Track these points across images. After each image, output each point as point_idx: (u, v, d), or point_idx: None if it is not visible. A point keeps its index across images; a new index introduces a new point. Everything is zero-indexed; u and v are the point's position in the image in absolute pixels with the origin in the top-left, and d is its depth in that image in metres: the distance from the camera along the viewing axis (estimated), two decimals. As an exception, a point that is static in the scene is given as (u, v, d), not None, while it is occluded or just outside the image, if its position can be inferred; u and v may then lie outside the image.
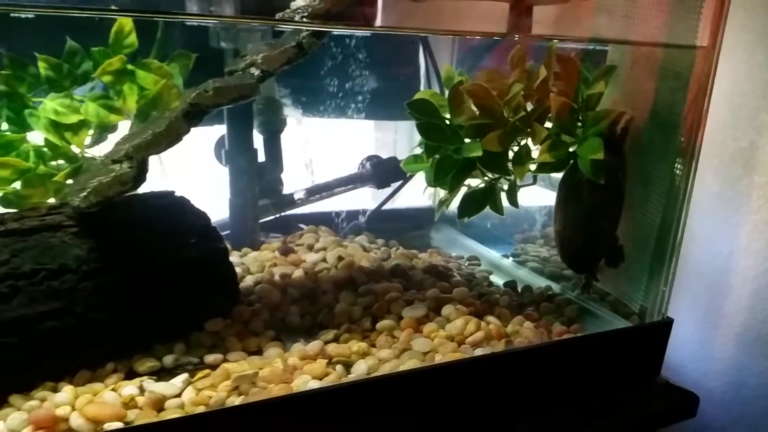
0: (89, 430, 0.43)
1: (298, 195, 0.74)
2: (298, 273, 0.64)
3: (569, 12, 0.61)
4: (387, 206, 0.80)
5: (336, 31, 0.72)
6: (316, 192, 0.74)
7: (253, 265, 0.66)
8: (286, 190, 0.74)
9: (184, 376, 0.48)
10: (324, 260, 0.67)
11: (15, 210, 0.57)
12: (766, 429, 0.94)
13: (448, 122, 0.57)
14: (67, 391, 0.45)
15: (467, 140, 0.56)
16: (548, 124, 0.56)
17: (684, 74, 0.52)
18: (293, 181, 0.74)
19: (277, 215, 0.73)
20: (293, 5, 0.58)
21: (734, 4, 0.76)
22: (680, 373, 0.98)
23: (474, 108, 0.55)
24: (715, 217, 0.91)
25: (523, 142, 0.56)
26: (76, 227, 0.49)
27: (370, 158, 0.77)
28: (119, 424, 0.43)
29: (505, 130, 0.54)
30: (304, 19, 0.53)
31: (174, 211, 0.55)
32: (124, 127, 0.68)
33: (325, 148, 0.79)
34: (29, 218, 0.48)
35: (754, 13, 0.83)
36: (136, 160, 0.47)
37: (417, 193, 0.86)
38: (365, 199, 0.80)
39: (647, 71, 0.55)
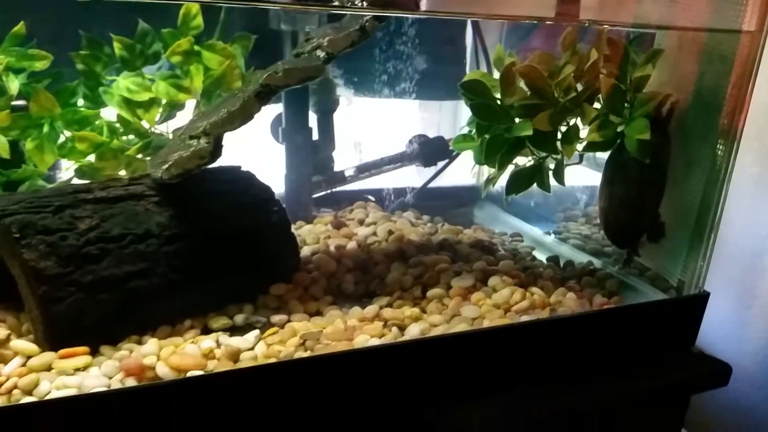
0: (173, 378, 0.48)
1: (349, 172, 0.78)
2: (351, 245, 0.68)
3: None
4: (432, 184, 0.84)
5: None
6: (366, 169, 0.78)
7: (308, 237, 0.71)
8: (337, 167, 0.78)
9: (256, 332, 0.53)
10: (375, 234, 0.71)
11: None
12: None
13: (498, 102, 0.61)
14: (151, 343, 0.50)
15: (517, 120, 0.59)
16: (597, 105, 0.59)
17: (729, 58, 0.54)
18: (344, 158, 0.79)
19: (329, 191, 0.78)
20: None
21: None
22: (713, 351, 1.00)
23: (525, 88, 0.58)
24: (754, 199, 0.92)
25: (572, 122, 0.59)
26: (157, 197, 0.53)
27: (417, 137, 0.81)
28: (200, 373, 0.48)
29: (556, 110, 0.57)
30: (364, 3, 0.56)
31: (241, 184, 0.59)
32: (189, 104, 0.73)
33: (373, 127, 0.82)
34: (114, 188, 0.53)
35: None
36: (213, 136, 0.52)
37: (461, 172, 0.90)
38: (412, 176, 0.84)
39: (693, 55, 0.58)
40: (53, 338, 0.47)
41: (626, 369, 0.58)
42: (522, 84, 0.58)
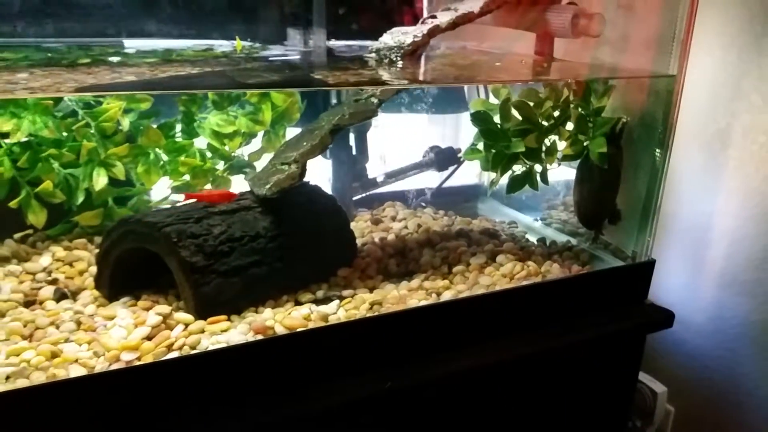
0: (285, 333, 0.69)
1: (380, 178, 0.99)
2: (390, 236, 0.90)
3: (580, 43, 0.86)
4: (444, 185, 1.06)
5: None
6: (392, 176, 1.00)
7: (355, 231, 0.93)
8: (370, 175, 1.00)
9: (335, 302, 0.74)
10: (406, 227, 0.93)
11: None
12: (739, 349, 1.21)
13: (499, 126, 0.83)
14: (266, 312, 0.72)
15: (513, 139, 0.82)
16: (569, 127, 0.82)
17: (661, 93, 0.77)
18: (375, 167, 1.00)
19: (364, 194, 0.99)
20: (384, 43, 0.83)
21: (711, 11, 1.00)
22: (670, 308, 1.25)
23: (518, 116, 0.81)
24: (699, 184, 1.16)
25: (552, 140, 0.81)
26: (260, 208, 0.74)
27: (432, 148, 1.03)
28: (303, 329, 0.70)
29: (540, 132, 0.79)
30: (399, 58, 0.78)
31: (313, 195, 0.80)
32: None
33: (394, 140, 1.04)
34: (229, 203, 0.74)
35: (728, 19, 1.07)
36: (301, 163, 0.73)
37: (466, 174, 1.12)
38: (428, 179, 1.06)
39: (637, 88, 0.80)
40: (201, 311, 0.68)
41: (596, 317, 0.81)
42: (515, 113, 0.81)
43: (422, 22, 0.85)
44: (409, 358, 0.71)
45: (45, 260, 0.79)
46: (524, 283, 0.78)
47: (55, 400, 0.56)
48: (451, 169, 1.03)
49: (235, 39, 0.91)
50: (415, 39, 0.80)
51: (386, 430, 0.73)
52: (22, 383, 0.57)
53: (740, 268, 1.16)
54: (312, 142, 0.73)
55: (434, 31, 0.82)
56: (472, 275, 0.80)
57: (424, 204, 1.02)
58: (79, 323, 0.66)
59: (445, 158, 1.02)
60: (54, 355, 0.61)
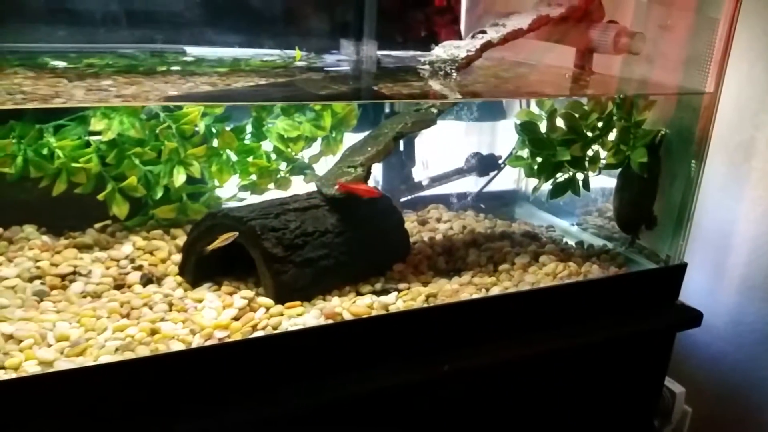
0: (353, 318, 0.78)
1: (425, 182, 1.08)
2: (437, 236, 0.99)
3: (621, 58, 0.94)
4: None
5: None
6: (437, 179, 1.09)
7: (404, 231, 1.01)
8: (416, 178, 1.09)
9: (394, 294, 0.83)
10: (451, 228, 1.02)
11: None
12: (759, 353, 1.28)
13: (545, 136, 0.92)
14: (334, 300, 0.80)
15: (559, 148, 0.90)
16: (612, 137, 0.90)
17: (697, 108, 0.85)
18: (421, 172, 1.09)
19: (410, 196, 1.08)
20: (437, 56, 0.91)
21: (740, 27, 1.09)
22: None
23: (564, 126, 0.89)
24: (723, 193, 1.24)
25: (595, 149, 0.90)
26: (327, 206, 0.83)
27: (473, 154, 1.11)
28: (367, 316, 0.78)
29: (585, 142, 0.88)
30: (453, 70, 0.87)
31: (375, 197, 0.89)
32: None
33: (439, 146, 1.13)
34: (300, 201, 0.83)
35: (755, 35, 1.15)
36: (366, 166, 0.82)
37: (504, 180, 1.20)
38: (467, 183, 1.15)
39: (674, 103, 0.89)
40: (280, 296, 0.77)
41: (632, 314, 0.89)
42: (562, 124, 0.89)
43: (472, 37, 0.93)
44: (462, 345, 0.80)
45: (127, 248, 0.88)
46: (566, 281, 0.87)
47: (161, 371, 0.65)
48: (491, 174, 1.12)
49: (288, 48, 1.01)
50: (468, 54, 0.89)
51: (439, 409, 0.81)
52: (129, 355, 0.66)
53: (761, 274, 1.24)
54: (377, 147, 0.82)
55: (486, 46, 0.90)
56: (517, 273, 0.89)
57: (465, 207, 1.11)
58: (171, 305, 0.76)
59: (486, 164, 1.11)
60: (153, 332, 0.70)
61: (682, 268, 0.92)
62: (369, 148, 0.83)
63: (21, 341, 0.66)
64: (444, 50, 0.91)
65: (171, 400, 0.66)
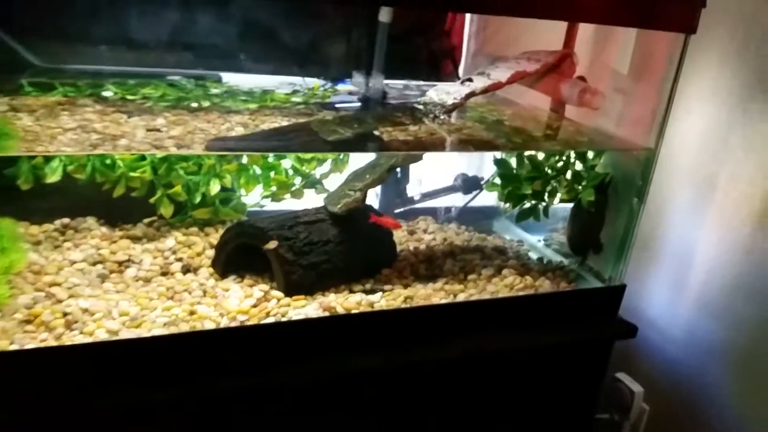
0: (345, 312, 1.00)
1: (416, 197, 1.30)
2: (421, 246, 1.21)
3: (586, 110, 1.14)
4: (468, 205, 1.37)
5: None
6: (427, 195, 1.30)
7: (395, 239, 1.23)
8: (409, 194, 1.30)
9: (380, 294, 1.05)
10: (434, 239, 1.24)
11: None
12: (707, 362, 1.48)
13: (515, 172, 1.12)
14: (331, 296, 1.03)
15: (524, 182, 1.11)
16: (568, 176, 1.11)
17: (641, 159, 1.05)
18: (413, 189, 1.31)
19: (403, 209, 1.30)
20: (430, 98, 1.12)
21: (710, 74, 1.27)
22: (654, 325, 1.54)
23: (529, 165, 1.10)
24: (688, 220, 1.43)
25: (554, 185, 1.10)
26: (330, 220, 1.05)
27: (460, 175, 1.32)
28: (356, 311, 1.01)
29: (545, 179, 1.08)
30: (443, 115, 1.07)
31: (367, 212, 1.11)
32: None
33: (430, 167, 1.34)
34: (309, 215, 1.05)
35: (721, 83, 1.33)
36: (363, 192, 1.03)
37: (486, 198, 1.41)
38: (454, 199, 1.36)
39: (622, 154, 1.09)
40: (289, 291, 0.99)
41: (576, 325, 1.11)
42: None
43: (462, 83, 1.14)
44: (430, 340, 1.02)
45: (170, 242, 1.12)
46: (521, 293, 1.08)
47: (198, 343, 0.89)
48: (474, 193, 1.33)
49: (308, 75, 1.23)
50: (455, 101, 1.09)
51: (406, 390, 1.04)
52: (174, 330, 0.90)
53: (714, 293, 1.43)
54: (373, 176, 1.03)
55: (470, 95, 1.11)
56: (482, 283, 1.10)
57: (449, 220, 1.33)
58: (205, 291, 0.99)
59: (470, 184, 1.32)
60: (192, 312, 0.93)
61: (622, 288, 1.13)
62: (367, 176, 1.04)
63: (93, 314, 0.90)
64: (436, 94, 1.12)
65: (204, 367, 0.89)
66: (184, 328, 0.90)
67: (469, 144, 1.03)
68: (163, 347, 0.87)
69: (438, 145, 1.03)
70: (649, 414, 1.61)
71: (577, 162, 1.10)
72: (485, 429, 1.13)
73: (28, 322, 0.87)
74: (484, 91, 1.11)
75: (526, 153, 1.10)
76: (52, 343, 0.84)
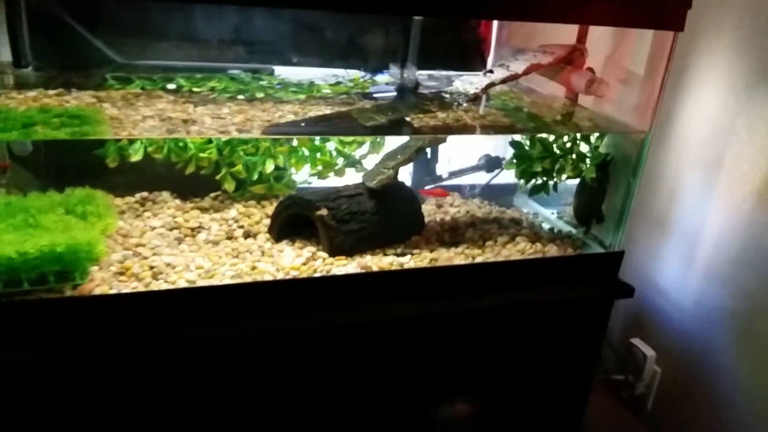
0: (378, 270, 1.20)
1: (444, 175, 1.48)
2: (447, 218, 1.39)
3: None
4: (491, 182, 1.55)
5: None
6: (454, 173, 1.49)
7: (423, 212, 1.42)
8: (438, 172, 1.49)
9: (409, 256, 1.25)
10: (458, 212, 1.42)
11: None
12: (714, 328, 1.62)
13: (528, 152, 1.29)
14: (368, 257, 1.23)
15: (536, 161, 1.28)
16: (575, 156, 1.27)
17: (637, 141, 1.21)
18: (442, 166, 1.49)
19: (432, 186, 1.49)
20: (455, 88, 1.30)
21: (722, 60, 1.41)
22: (666, 295, 1.69)
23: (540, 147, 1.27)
24: (697, 197, 1.58)
25: (561, 164, 1.27)
26: (367, 194, 1.25)
27: (484, 155, 1.50)
28: (389, 269, 1.20)
29: (554, 158, 1.25)
30: (465, 103, 1.25)
31: (399, 187, 1.30)
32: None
33: (457, 147, 1.52)
34: (350, 190, 1.25)
35: (731, 69, 1.46)
36: (395, 170, 1.23)
37: (508, 175, 1.58)
38: (478, 177, 1.54)
39: (621, 136, 1.25)
40: (332, 253, 1.20)
41: (581, 285, 1.28)
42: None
43: (484, 74, 1.31)
44: (450, 296, 1.21)
45: (233, 213, 1.34)
46: (531, 257, 1.26)
47: (258, 292, 1.10)
48: (495, 171, 1.50)
49: (351, 68, 1.42)
50: (476, 91, 1.27)
51: (428, 340, 1.23)
52: (239, 281, 1.11)
53: (721, 265, 1.57)
54: (403, 156, 1.22)
55: (489, 86, 1.28)
56: (497, 248, 1.28)
57: (473, 196, 1.51)
58: (263, 252, 1.20)
59: (492, 164, 1.49)
60: (254, 268, 1.15)
61: (620, 253, 1.29)
62: (398, 156, 1.23)
63: (174, 267, 1.13)
64: (461, 84, 1.30)
65: (263, 310, 1.10)
66: (247, 279, 1.12)
67: (487, 128, 1.21)
68: (231, 294, 1.08)
69: (459, 130, 1.21)
70: (660, 375, 1.77)
71: (582, 143, 1.27)
72: (497, 376, 1.32)
73: (121, 273, 1.10)
74: (502, 81, 1.28)
75: (538, 135, 1.27)
76: (143, 289, 1.07)
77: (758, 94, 1.42)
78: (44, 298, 0.98)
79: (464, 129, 1.20)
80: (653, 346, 1.76)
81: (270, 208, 1.36)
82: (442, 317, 1.21)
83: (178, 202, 1.36)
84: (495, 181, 1.55)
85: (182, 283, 1.08)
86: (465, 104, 1.26)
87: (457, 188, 1.52)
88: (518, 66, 1.29)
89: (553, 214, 1.46)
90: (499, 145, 1.58)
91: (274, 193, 1.39)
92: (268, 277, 1.13)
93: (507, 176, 1.57)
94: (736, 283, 1.54)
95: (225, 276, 1.11)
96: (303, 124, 1.15)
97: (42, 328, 0.99)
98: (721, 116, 1.48)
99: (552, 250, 1.28)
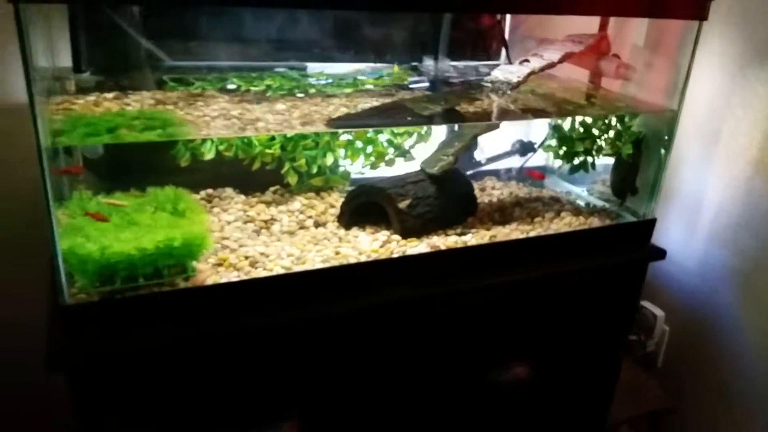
0: (446, 248, 1.32)
1: (483, 161, 1.61)
2: (493, 199, 1.52)
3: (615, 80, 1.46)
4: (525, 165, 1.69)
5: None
6: (492, 159, 1.61)
7: (470, 194, 1.55)
8: (477, 158, 1.61)
9: (470, 235, 1.37)
10: (502, 194, 1.55)
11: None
12: (718, 287, 1.82)
13: (569, 134, 1.44)
14: (434, 238, 1.34)
15: (576, 142, 1.42)
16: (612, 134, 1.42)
17: (667, 117, 1.37)
18: (480, 153, 1.62)
19: (472, 171, 1.61)
20: (495, 77, 1.43)
21: (719, 42, 1.59)
22: (673, 259, 1.87)
23: (581, 128, 1.41)
24: (698, 169, 1.76)
25: (599, 144, 1.42)
26: (429, 180, 1.36)
27: (517, 141, 1.64)
28: (455, 247, 1.32)
29: (593, 139, 1.40)
30: (508, 90, 1.38)
31: (456, 173, 1.42)
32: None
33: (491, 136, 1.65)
34: (413, 177, 1.36)
35: (726, 50, 1.65)
36: (455, 156, 1.34)
37: (538, 159, 1.73)
38: (514, 161, 1.68)
39: (653, 115, 1.40)
40: (404, 235, 1.31)
41: (621, 251, 1.43)
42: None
43: (520, 63, 1.44)
44: (510, 266, 1.34)
45: (297, 204, 1.43)
46: (577, 228, 1.40)
47: (347, 273, 1.20)
48: (529, 155, 1.64)
49: (384, 61, 1.53)
50: (518, 79, 1.40)
51: (493, 308, 1.36)
52: (329, 264, 1.21)
53: (722, 229, 1.77)
54: (462, 143, 1.35)
55: (530, 74, 1.42)
56: (546, 223, 1.42)
57: (510, 179, 1.65)
58: (340, 238, 1.31)
59: (525, 148, 1.63)
60: (337, 252, 1.25)
61: (653, 221, 1.46)
62: (456, 144, 1.35)
63: (268, 256, 1.22)
64: (501, 73, 1.43)
65: (353, 290, 1.21)
66: (335, 262, 1.22)
67: (534, 113, 1.35)
68: (324, 277, 1.18)
69: (510, 115, 1.34)
70: (669, 333, 1.97)
71: (617, 123, 1.42)
72: (550, 341, 1.46)
73: (219, 265, 1.18)
74: (542, 69, 1.42)
75: (579, 118, 1.41)
76: (245, 277, 1.16)
77: (751, 73, 1.61)
78: (167, 291, 1.06)
79: (520, 115, 1.34)
80: (662, 306, 1.95)
81: (329, 199, 1.46)
82: (504, 288, 1.34)
83: (242, 197, 1.44)
84: (527, 165, 1.69)
85: (279, 270, 1.17)
86: (509, 92, 1.39)
87: (494, 173, 1.66)
88: (553, 55, 1.44)
89: (584, 192, 1.62)
90: (529, 131, 1.72)
91: (330, 185, 1.49)
92: (352, 260, 1.23)
93: (535, 160, 1.72)
94: (736, 244, 1.74)
95: (315, 261, 1.21)
96: (362, 116, 1.26)
97: (168, 319, 1.06)
98: (718, 94, 1.67)
99: (594, 222, 1.43)
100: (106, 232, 1.04)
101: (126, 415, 1.09)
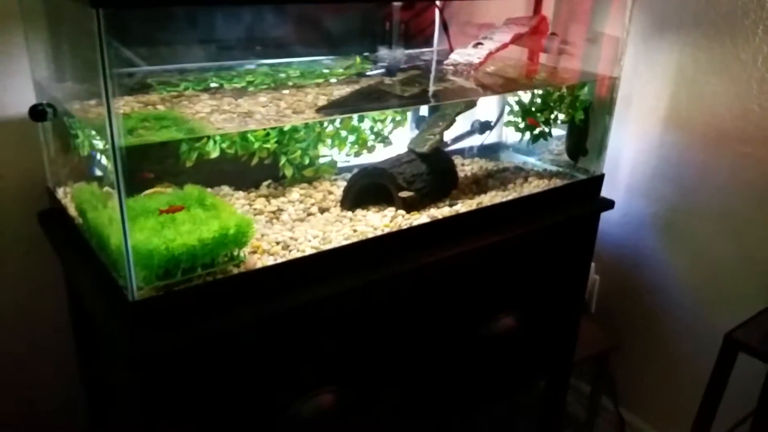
0: (438, 218, 1.49)
1: (448, 141, 1.80)
2: (468, 173, 1.72)
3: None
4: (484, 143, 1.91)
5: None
6: (456, 139, 1.82)
7: (444, 171, 1.74)
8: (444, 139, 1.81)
9: (460, 204, 1.55)
10: (472, 168, 1.76)
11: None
12: (640, 233, 2.15)
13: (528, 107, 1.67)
14: (432, 210, 1.51)
15: (537, 114, 1.65)
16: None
17: (610, 84, 1.65)
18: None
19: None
20: (455, 60, 1.63)
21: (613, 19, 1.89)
22: (617, 214, 2.18)
23: (539, 101, 1.65)
24: (616, 129, 2.07)
25: (555, 114, 1.67)
26: (419, 158, 1.53)
27: (476, 120, 1.85)
28: (446, 216, 1.50)
29: (550, 110, 1.64)
30: (471, 71, 1.59)
31: (439, 152, 1.60)
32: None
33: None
34: (406, 157, 1.52)
35: (636, 24, 1.97)
36: (441, 135, 1.52)
37: (493, 136, 1.96)
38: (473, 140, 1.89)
39: (600, 82, 1.68)
40: (407, 210, 1.47)
41: (579, 204, 1.69)
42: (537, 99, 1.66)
43: (474, 46, 1.65)
44: (499, 226, 1.54)
45: (295, 195, 1.54)
46: (545, 189, 1.64)
47: (368, 245, 1.34)
48: (486, 133, 1.87)
49: (340, 54, 1.69)
50: (479, 60, 1.61)
51: (484, 264, 1.56)
52: (350, 240, 1.34)
53: (639, 180, 2.10)
54: (446, 122, 1.53)
55: (489, 55, 1.63)
56: (518, 188, 1.65)
57: (473, 156, 1.86)
58: (350, 219, 1.44)
59: (483, 127, 1.85)
60: (354, 230, 1.39)
61: (601, 177, 1.73)
62: (440, 123, 1.54)
63: (296, 239, 1.32)
64: (460, 56, 1.63)
65: (376, 260, 1.35)
66: (355, 238, 1.35)
67: (509, 88, 1.57)
68: (351, 251, 1.32)
69: (485, 92, 1.55)
70: (599, 282, 2.28)
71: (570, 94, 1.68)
72: (530, 290, 1.69)
73: (254, 252, 1.28)
74: (497, 50, 1.64)
75: (537, 91, 1.66)
76: (281, 260, 1.26)
77: (653, 43, 1.94)
78: (223, 278, 1.15)
79: (489, 91, 1.55)
80: (592, 257, 2.25)
81: (321, 187, 1.59)
82: (495, 246, 1.54)
83: (241, 193, 1.53)
84: (485, 142, 1.92)
85: (310, 251, 1.29)
86: (472, 72, 1.60)
87: (459, 152, 1.86)
88: (504, 36, 1.67)
89: (537, 161, 1.86)
90: (480, 110, 1.95)
91: (320, 175, 1.62)
92: (370, 235, 1.37)
93: (491, 138, 1.95)
94: (654, 192, 2.08)
95: (338, 240, 1.34)
96: (348, 102, 1.40)
97: (228, 303, 1.15)
98: (628, 62, 1.99)
99: (557, 183, 1.68)
100: (164, 226, 1.11)
101: (190, 400, 1.16)
